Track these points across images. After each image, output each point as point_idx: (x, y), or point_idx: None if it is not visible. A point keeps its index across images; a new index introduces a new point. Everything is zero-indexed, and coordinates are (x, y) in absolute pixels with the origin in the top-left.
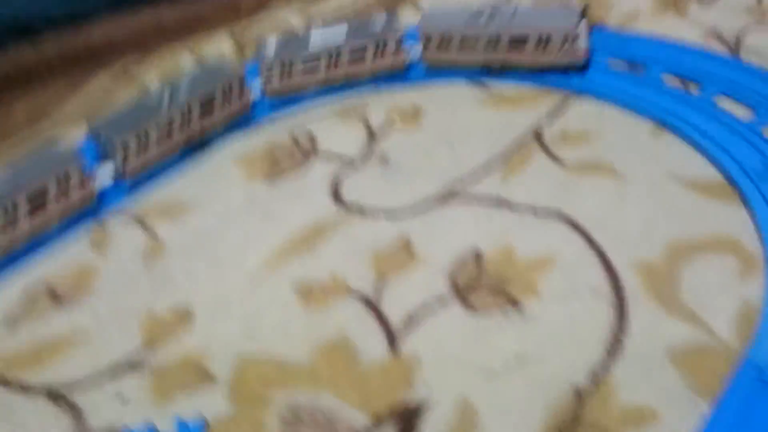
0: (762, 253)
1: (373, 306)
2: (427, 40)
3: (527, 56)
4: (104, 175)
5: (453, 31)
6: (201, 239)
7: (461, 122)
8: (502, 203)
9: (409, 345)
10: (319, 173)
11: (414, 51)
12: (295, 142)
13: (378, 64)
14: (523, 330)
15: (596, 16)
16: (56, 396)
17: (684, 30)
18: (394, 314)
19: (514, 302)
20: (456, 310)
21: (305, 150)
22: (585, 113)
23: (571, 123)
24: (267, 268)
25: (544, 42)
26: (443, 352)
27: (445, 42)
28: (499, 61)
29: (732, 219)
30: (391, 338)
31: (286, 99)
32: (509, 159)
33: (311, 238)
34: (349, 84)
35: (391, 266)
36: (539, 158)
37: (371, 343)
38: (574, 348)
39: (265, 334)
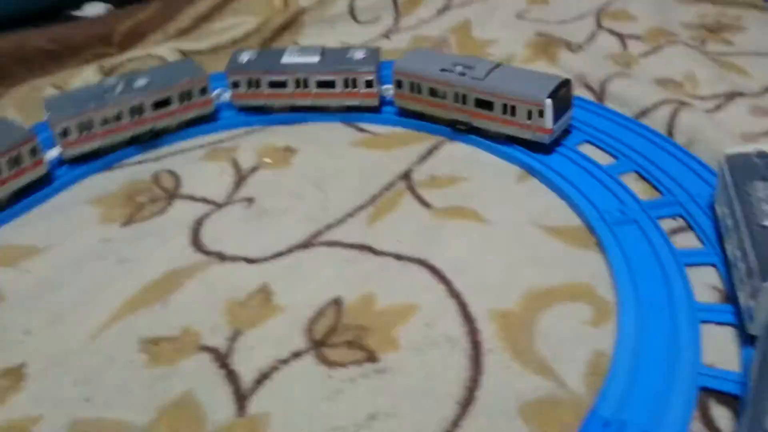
0: (614, 301)
1: (223, 362)
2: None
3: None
4: None
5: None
6: (43, 289)
7: (333, 163)
8: (365, 249)
9: (259, 404)
10: (180, 216)
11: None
12: (157, 182)
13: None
14: (377, 385)
15: None
16: None
17: None
18: (246, 370)
19: (370, 355)
20: (310, 365)
21: (168, 191)
22: (455, 157)
23: (441, 166)
24: (113, 322)
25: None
26: (293, 412)
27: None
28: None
29: (589, 266)
30: (240, 397)
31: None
32: (377, 202)
33: (165, 287)
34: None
35: (247, 318)
36: (407, 201)
37: (218, 403)
38: (428, 403)
39: (104, 396)
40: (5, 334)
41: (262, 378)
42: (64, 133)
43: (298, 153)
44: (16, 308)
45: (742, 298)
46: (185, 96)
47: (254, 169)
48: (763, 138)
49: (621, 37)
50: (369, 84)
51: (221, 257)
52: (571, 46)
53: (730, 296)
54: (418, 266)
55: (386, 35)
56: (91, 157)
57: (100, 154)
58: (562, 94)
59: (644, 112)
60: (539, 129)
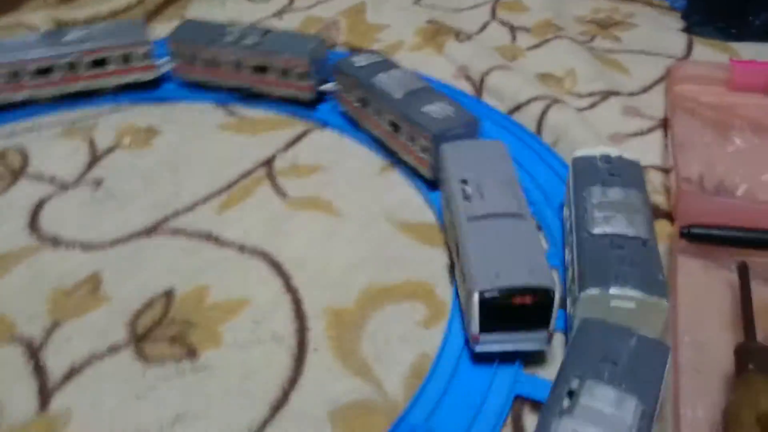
0: (450, 302)
1: (34, 354)
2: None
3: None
4: None
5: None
6: None
7: (195, 146)
8: (209, 238)
9: (64, 401)
10: (22, 197)
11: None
12: (5, 157)
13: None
14: (194, 385)
15: (359, 44)
16: None
17: (438, 65)
18: (56, 365)
19: (191, 352)
20: (127, 361)
21: (15, 167)
22: (322, 145)
23: (306, 154)
24: None
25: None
26: (98, 410)
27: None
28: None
29: (434, 264)
30: (45, 393)
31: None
32: (232, 189)
33: None
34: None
35: (71, 308)
36: (263, 190)
37: (19, 399)
38: (240, 404)
39: None
40: None
41: (72, 373)
42: None
43: (160, 134)
44: None
45: (569, 304)
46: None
47: (111, 150)
48: (631, 139)
49: (512, 29)
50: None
51: (55, 242)
52: (459, 36)
53: (564, 298)
54: (260, 259)
55: (279, 14)
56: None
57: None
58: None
59: (518, 108)
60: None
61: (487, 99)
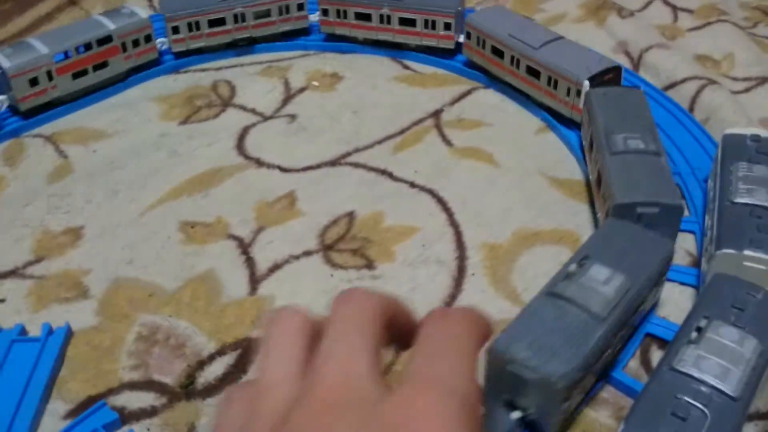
0: None
1: (245, 250)
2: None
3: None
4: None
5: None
6: (105, 168)
7: (373, 93)
8: (385, 173)
9: (268, 288)
10: (230, 122)
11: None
12: (216, 89)
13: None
14: (370, 288)
15: (524, 12)
16: None
17: (598, 39)
18: (262, 260)
19: (369, 263)
20: (318, 263)
21: (223, 99)
22: (485, 103)
23: (470, 110)
24: (160, 203)
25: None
26: (296, 300)
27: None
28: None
29: (580, 217)
30: (254, 280)
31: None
32: (405, 134)
33: (207, 181)
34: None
35: (272, 216)
36: (431, 137)
37: (235, 283)
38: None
39: (143, 261)
40: (70, 201)
41: (275, 268)
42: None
43: (343, 80)
44: (81, 181)
45: (703, 263)
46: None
47: (302, 90)
48: None
49: (674, 9)
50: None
51: (259, 163)
52: (621, 12)
53: (700, 258)
54: (428, 195)
55: None
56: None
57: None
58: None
59: (673, 85)
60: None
61: (644, 74)
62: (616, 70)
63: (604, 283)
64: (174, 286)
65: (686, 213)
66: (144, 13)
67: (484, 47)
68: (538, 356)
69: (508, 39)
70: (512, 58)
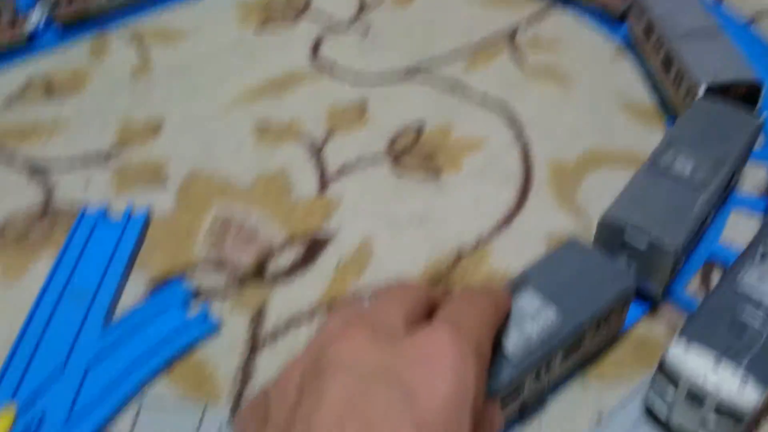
0: None
1: (316, 151)
2: None
3: None
4: (36, 17)
5: None
6: (186, 65)
7: (448, 11)
8: (457, 87)
9: (337, 189)
10: (305, 30)
11: None
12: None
13: None
14: (436, 196)
15: None
16: (34, 170)
17: None
18: (332, 162)
19: (436, 171)
20: (386, 169)
21: (298, 7)
22: (561, 25)
23: (546, 30)
24: (236, 102)
25: None
26: (363, 202)
27: None
28: None
29: (650, 141)
30: (323, 181)
31: None
32: (478, 51)
33: (282, 85)
34: None
35: (343, 122)
36: (505, 56)
37: (305, 182)
38: (472, 218)
39: (219, 156)
40: (150, 97)
41: (344, 171)
42: None
43: None
44: (162, 78)
45: None
46: None
47: (377, 4)
48: None
49: None
50: None
51: (332, 72)
52: None
53: None
54: (498, 111)
55: None
56: None
57: None
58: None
59: (760, 16)
60: None
61: (728, 6)
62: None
63: (699, 159)
64: (248, 180)
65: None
66: None
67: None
68: (651, 223)
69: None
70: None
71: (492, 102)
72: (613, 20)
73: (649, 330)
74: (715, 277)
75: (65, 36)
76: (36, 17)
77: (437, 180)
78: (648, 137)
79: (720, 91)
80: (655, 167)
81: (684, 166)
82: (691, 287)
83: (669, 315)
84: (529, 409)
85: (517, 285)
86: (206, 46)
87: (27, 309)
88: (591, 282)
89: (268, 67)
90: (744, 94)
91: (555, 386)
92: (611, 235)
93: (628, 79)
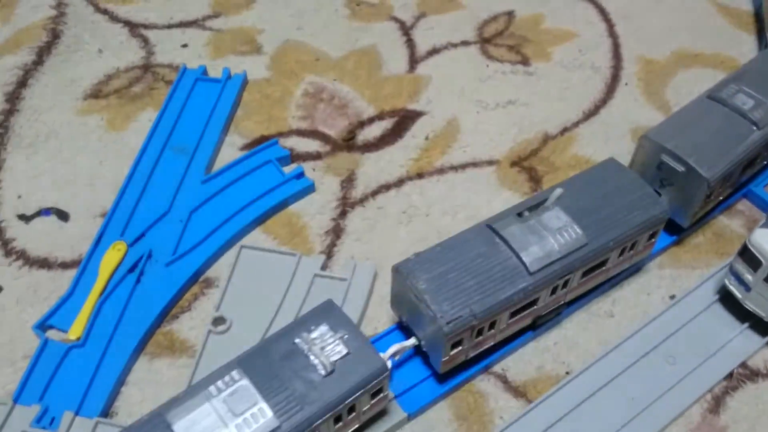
0: None
1: (406, 32)
2: None
3: None
4: None
5: None
6: None
7: None
8: None
9: (426, 69)
10: None
11: None
12: None
13: None
14: (523, 83)
15: None
16: (135, 27)
17: None
18: (422, 43)
19: (525, 60)
20: (474, 53)
21: None
22: None
23: None
24: None
25: None
26: (451, 82)
27: None
28: None
29: (742, 46)
30: (413, 60)
31: None
32: None
33: None
34: None
35: (434, 5)
36: None
37: (395, 59)
38: (559, 106)
39: (311, 29)
40: None
41: (433, 52)
42: None
43: None
44: None
45: None
46: None
47: None
48: None
49: None
50: None
51: None
52: None
53: None
54: (591, 4)
55: None
56: None
57: None
58: None
59: None
60: None
61: None
62: None
63: (763, 97)
64: (339, 54)
65: None
66: None
67: None
68: (691, 150)
69: None
70: None
71: None
72: None
73: (727, 223)
74: None
75: None
76: None
77: (526, 67)
78: (742, 42)
79: None
80: (714, 95)
81: (745, 101)
82: None
83: (748, 211)
84: (542, 322)
85: (546, 199)
86: None
87: (132, 159)
88: (622, 205)
89: None
90: None
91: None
92: (650, 156)
93: None
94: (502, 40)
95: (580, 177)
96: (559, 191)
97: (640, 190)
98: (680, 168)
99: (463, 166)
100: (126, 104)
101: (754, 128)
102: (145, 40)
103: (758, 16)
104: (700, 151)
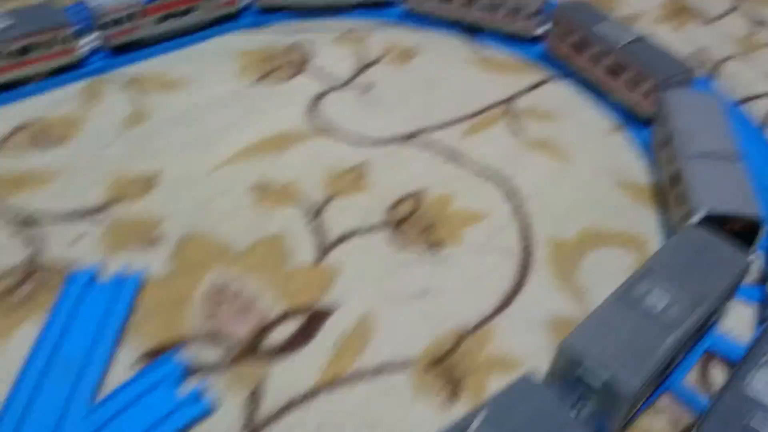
0: None
1: (314, 217)
2: None
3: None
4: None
5: None
6: (183, 118)
7: (447, 74)
8: (455, 156)
9: (336, 258)
10: (304, 86)
11: None
12: (292, 51)
13: None
14: (436, 270)
15: (604, 5)
16: (22, 222)
17: (674, 42)
18: (331, 229)
19: (437, 244)
20: (384, 239)
21: (299, 61)
22: (559, 96)
23: (543, 101)
24: (234, 159)
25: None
26: (361, 274)
27: None
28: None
29: (648, 223)
30: (322, 249)
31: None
32: (476, 118)
33: (279, 144)
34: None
35: (342, 187)
36: (503, 125)
37: (303, 249)
38: (473, 296)
39: (215, 216)
40: (145, 148)
41: (343, 238)
42: None
43: (418, 56)
44: (157, 129)
45: None
46: None
47: (376, 61)
48: None
49: (754, 21)
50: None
51: (329, 132)
52: (701, 18)
53: (765, 276)
54: (497, 183)
55: None
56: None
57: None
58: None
59: (749, 99)
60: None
61: (721, 85)
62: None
63: (676, 294)
64: (244, 245)
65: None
66: None
67: (567, 39)
68: (607, 363)
69: (593, 33)
70: (595, 52)
71: (491, 172)
72: (639, 121)
73: (650, 424)
74: (714, 369)
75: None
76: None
77: (438, 253)
78: (646, 218)
79: (718, 221)
80: (626, 297)
81: (658, 299)
82: (692, 379)
83: (670, 409)
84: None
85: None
86: (203, 98)
87: (11, 378)
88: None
89: (265, 124)
90: (743, 230)
91: None
92: (568, 367)
93: (626, 156)
94: (414, 223)
95: (498, 399)
96: (483, 414)
97: (557, 414)
98: (598, 384)
99: (376, 372)
100: (6, 313)
101: (671, 330)
102: (32, 236)
103: (658, 190)
104: (619, 363)
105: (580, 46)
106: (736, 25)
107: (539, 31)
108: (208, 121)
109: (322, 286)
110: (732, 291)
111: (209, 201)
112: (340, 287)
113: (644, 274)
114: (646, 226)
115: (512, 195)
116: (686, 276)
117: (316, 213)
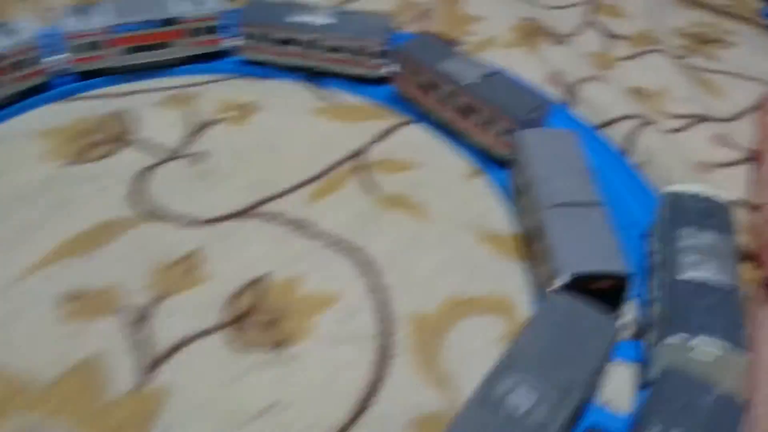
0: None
1: (138, 328)
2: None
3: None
4: None
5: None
6: None
7: (291, 129)
8: (302, 227)
9: (164, 378)
10: (126, 163)
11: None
12: (111, 121)
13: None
14: (283, 375)
15: (451, 34)
16: None
17: (529, 66)
18: (159, 340)
19: (283, 341)
20: (223, 342)
21: (119, 133)
22: (411, 142)
23: (395, 149)
24: (36, 269)
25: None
26: (195, 392)
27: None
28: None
29: (514, 277)
30: (147, 367)
31: (105, 76)
32: (323, 178)
33: (96, 239)
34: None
35: (171, 284)
36: (354, 183)
37: (123, 371)
38: (327, 401)
39: (14, 343)
40: None
41: (172, 351)
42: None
43: (258, 112)
44: None
45: (651, 338)
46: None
47: (210, 123)
48: (717, 170)
49: (609, 36)
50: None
51: (157, 215)
52: (554, 38)
53: (641, 329)
54: (350, 254)
55: None
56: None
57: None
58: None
59: (609, 123)
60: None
61: (580, 110)
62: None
63: (542, 389)
64: (50, 376)
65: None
66: (31, 30)
67: (414, 79)
68: None
69: (438, 72)
70: (443, 93)
71: (342, 243)
72: (497, 163)
73: None
74: None
75: None
76: None
77: (285, 351)
78: (510, 273)
79: (583, 281)
80: (487, 399)
81: (523, 399)
82: None
83: None
84: None
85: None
86: (6, 190)
87: None
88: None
89: (80, 216)
90: (610, 287)
91: None
92: None
93: (485, 204)
94: (256, 318)
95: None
96: None
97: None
98: None
99: None
100: None
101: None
102: None
103: (522, 241)
104: None
105: (427, 87)
106: (589, 41)
107: (385, 71)
108: (6, 222)
109: (146, 418)
110: (605, 361)
111: (6, 324)
112: (169, 416)
113: (506, 366)
114: (513, 284)
115: (366, 268)
116: (553, 362)
117: (140, 321)
